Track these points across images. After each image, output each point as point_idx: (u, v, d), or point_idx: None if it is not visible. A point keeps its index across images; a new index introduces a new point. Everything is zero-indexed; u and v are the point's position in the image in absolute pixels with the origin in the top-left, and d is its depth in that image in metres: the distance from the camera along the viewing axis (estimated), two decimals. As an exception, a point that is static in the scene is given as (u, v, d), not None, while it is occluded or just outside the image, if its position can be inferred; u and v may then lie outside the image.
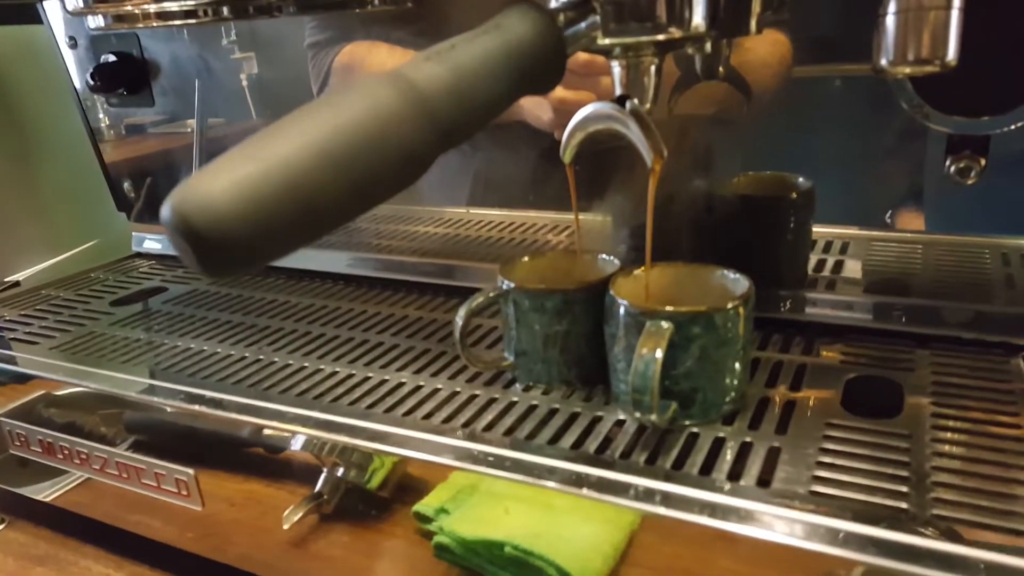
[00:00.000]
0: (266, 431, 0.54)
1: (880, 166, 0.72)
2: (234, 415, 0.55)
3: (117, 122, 0.92)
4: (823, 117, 0.70)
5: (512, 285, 0.54)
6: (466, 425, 0.51)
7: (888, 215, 0.84)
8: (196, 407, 0.57)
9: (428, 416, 0.53)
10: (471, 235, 0.90)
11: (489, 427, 0.51)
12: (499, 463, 0.46)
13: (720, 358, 0.48)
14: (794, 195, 0.70)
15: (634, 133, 0.49)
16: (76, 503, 0.69)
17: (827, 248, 0.79)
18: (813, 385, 0.53)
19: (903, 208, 0.85)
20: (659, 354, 0.45)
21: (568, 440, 0.49)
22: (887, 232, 0.81)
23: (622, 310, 0.49)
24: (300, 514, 0.54)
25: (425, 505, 0.48)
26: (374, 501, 0.51)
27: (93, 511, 0.69)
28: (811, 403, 0.51)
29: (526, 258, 0.59)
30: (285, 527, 0.55)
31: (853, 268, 0.73)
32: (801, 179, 0.72)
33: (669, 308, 0.47)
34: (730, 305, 0.47)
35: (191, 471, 0.59)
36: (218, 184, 0.31)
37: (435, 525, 0.48)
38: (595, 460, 0.46)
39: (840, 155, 0.73)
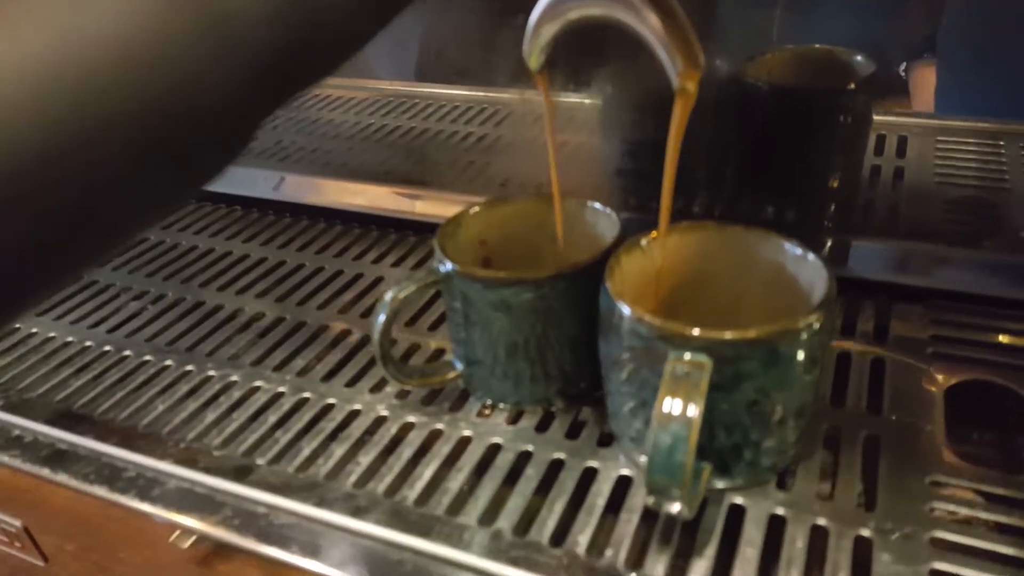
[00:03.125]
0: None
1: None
2: (47, 474, 0.37)
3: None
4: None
5: (455, 268, 0.35)
6: (390, 493, 0.34)
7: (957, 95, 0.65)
8: (-5, 456, 0.39)
9: (333, 474, 0.35)
10: (420, 130, 0.69)
11: (424, 496, 0.34)
12: (435, 583, 0.30)
13: (783, 401, 0.30)
14: (852, 85, 0.51)
15: (649, 26, 0.28)
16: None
17: (879, 147, 0.60)
18: (900, 402, 0.36)
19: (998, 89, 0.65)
20: (693, 413, 0.28)
21: (546, 525, 0.32)
22: (965, 122, 0.62)
23: (626, 325, 0.31)
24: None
25: None
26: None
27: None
28: (903, 442, 0.34)
29: (476, 209, 0.40)
30: (184, 546, 0.39)
31: (919, 180, 0.55)
32: (860, 57, 0.52)
33: (700, 332, 0.29)
34: (803, 323, 0.29)
35: (18, 522, 0.42)
36: None
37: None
38: (588, 570, 0.30)
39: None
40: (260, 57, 0.18)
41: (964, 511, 0.31)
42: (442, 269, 0.36)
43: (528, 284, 0.34)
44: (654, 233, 0.35)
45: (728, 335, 0.29)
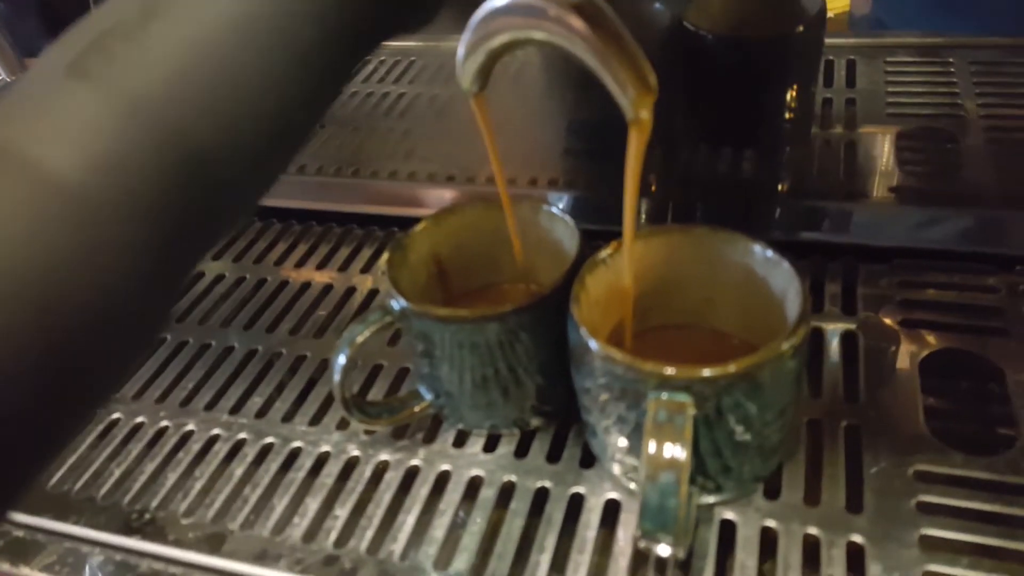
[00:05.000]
0: (68, 572, 0.35)
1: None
2: (7, 569, 0.35)
3: None
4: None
5: (409, 307, 0.33)
6: (374, 549, 0.33)
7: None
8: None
9: (311, 534, 0.34)
10: (347, 92, 0.64)
11: (410, 548, 0.33)
12: (437, 652, 0.29)
13: (767, 422, 0.30)
14: (800, 28, 0.48)
15: (589, 50, 0.25)
16: None
17: (827, 76, 0.58)
18: (876, 381, 0.36)
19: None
20: (681, 454, 0.27)
21: (539, 569, 0.31)
22: (912, 38, 0.59)
23: (597, 363, 0.29)
24: None
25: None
26: None
27: None
28: (883, 428, 0.34)
29: (423, 225, 0.37)
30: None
31: (871, 114, 0.53)
32: (805, -9, 0.49)
33: (677, 372, 0.27)
34: (785, 347, 0.28)
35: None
36: None
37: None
38: (587, 613, 0.29)
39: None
40: (147, 244, 0.16)
41: (950, 502, 0.31)
42: (396, 307, 0.34)
43: (491, 319, 0.32)
44: (615, 244, 0.33)
45: (707, 372, 0.27)
